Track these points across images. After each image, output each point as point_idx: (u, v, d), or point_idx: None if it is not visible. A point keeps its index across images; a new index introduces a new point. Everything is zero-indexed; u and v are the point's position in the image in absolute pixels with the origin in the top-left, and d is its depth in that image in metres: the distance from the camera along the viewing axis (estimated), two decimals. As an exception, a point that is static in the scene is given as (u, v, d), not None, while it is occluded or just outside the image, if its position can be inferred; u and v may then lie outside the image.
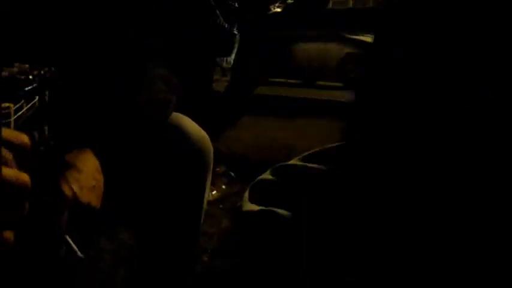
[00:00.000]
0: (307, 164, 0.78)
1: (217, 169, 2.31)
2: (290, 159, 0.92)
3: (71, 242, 0.76)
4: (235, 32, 2.40)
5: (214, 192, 2.28)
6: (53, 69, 0.81)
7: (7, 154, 0.42)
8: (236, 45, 2.60)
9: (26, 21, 0.88)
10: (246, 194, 0.88)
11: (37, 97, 0.79)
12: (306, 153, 0.89)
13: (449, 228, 0.46)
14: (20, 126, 0.72)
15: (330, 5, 3.40)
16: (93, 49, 0.93)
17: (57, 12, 0.91)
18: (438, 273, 0.46)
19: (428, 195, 0.47)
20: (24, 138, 0.49)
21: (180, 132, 0.94)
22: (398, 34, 0.51)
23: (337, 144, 0.76)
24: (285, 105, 2.73)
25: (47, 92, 0.81)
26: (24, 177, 0.42)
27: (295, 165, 0.83)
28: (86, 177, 0.76)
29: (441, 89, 0.47)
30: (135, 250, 1.08)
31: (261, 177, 0.90)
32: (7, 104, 0.71)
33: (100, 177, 0.79)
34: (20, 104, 0.74)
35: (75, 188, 0.73)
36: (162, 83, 0.94)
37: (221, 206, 2.19)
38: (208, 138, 0.98)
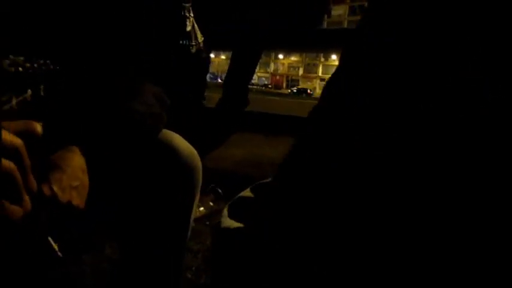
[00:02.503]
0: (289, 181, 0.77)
1: (205, 186, 2.30)
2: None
3: (51, 241, 0.73)
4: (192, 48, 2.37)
5: (201, 208, 2.27)
6: (49, 62, 0.78)
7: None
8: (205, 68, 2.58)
9: (26, 16, 0.86)
10: (225, 211, 0.87)
11: (29, 91, 0.76)
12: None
13: (450, 228, 0.45)
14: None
15: (325, 25, 3.43)
16: (93, 48, 0.92)
17: (58, 10, 0.90)
18: (438, 274, 0.45)
19: (428, 195, 0.46)
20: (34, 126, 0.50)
21: (169, 148, 0.93)
22: (398, 34, 0.51)
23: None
24: (274, 122, 2.73)
25: (41, 86, 0.79)
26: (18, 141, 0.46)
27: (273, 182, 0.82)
28: (69, 177, 0.73)
29: (441, 89, 0.46)
30: (117, 264, 1.06)
31: (240, 194, 0.89)
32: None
33: (84, 177, 0.76)
34: (7, 97, 0.71)
35: (56, 188, 0.71)
36: (155, 99, 0.94)
37: (208, 223, 2.17)
38: (198, 156, 0.98)
